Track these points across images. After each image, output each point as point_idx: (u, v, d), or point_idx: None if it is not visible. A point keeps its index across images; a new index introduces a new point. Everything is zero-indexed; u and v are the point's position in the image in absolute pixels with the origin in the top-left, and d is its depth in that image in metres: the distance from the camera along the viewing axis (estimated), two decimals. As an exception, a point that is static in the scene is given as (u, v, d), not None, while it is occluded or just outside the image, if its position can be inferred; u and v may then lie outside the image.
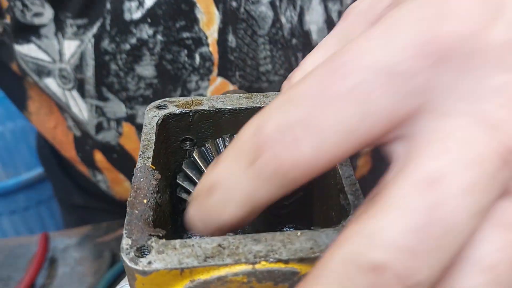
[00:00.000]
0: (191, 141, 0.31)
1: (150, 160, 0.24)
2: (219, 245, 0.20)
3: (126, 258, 0.19)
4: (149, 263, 0.19)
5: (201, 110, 0.29)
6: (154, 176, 0.23)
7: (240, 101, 0.30)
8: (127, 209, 0.21)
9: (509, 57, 0.17)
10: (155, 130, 0.27)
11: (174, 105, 0.29)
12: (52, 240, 0.57)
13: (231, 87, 0.54)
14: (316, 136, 0.17)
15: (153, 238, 0.20)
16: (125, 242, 0.20)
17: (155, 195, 0.22)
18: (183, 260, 0.19)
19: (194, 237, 0.27)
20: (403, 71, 0.17)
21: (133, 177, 0.23)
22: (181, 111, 0.29)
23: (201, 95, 0.54)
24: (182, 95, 0.54)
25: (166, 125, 0.29)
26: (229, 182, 0.18)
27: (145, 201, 0.22)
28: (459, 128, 0.17)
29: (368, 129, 0.17)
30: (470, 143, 0.16)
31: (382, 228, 0.15)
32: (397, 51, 0.17)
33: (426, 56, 0.17)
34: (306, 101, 0.17)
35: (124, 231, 0.20)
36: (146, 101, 0.55)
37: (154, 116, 0.28)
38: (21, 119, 1.37)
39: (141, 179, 0.23)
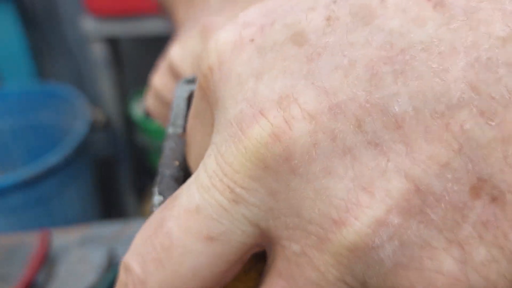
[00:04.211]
0: None
1: (182, 128, 0.25)
2: None
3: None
4: None
5: None
6: (185, 142, 0.24)
7: None
8: (159, 169, 0.22)
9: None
10: (186, 102, 0.27)
11: None
12: (53, 237, 0.56)
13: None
14: None
15: None
16: (157, 198, 0.21)
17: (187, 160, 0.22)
18: None
19: None
20: None
21: (164, 142, 0.23)
22: None
23: None
24: None
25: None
26: None
27: (176, 163, 0.22)
28: None
29: None
30: None
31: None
32: None
33: None
34: None
35: (156, 188, 0.21)
36: None
37: (185, 90, 0.28)
38: (20, 116, 1.36)
39: (173, 144, 0.23)
